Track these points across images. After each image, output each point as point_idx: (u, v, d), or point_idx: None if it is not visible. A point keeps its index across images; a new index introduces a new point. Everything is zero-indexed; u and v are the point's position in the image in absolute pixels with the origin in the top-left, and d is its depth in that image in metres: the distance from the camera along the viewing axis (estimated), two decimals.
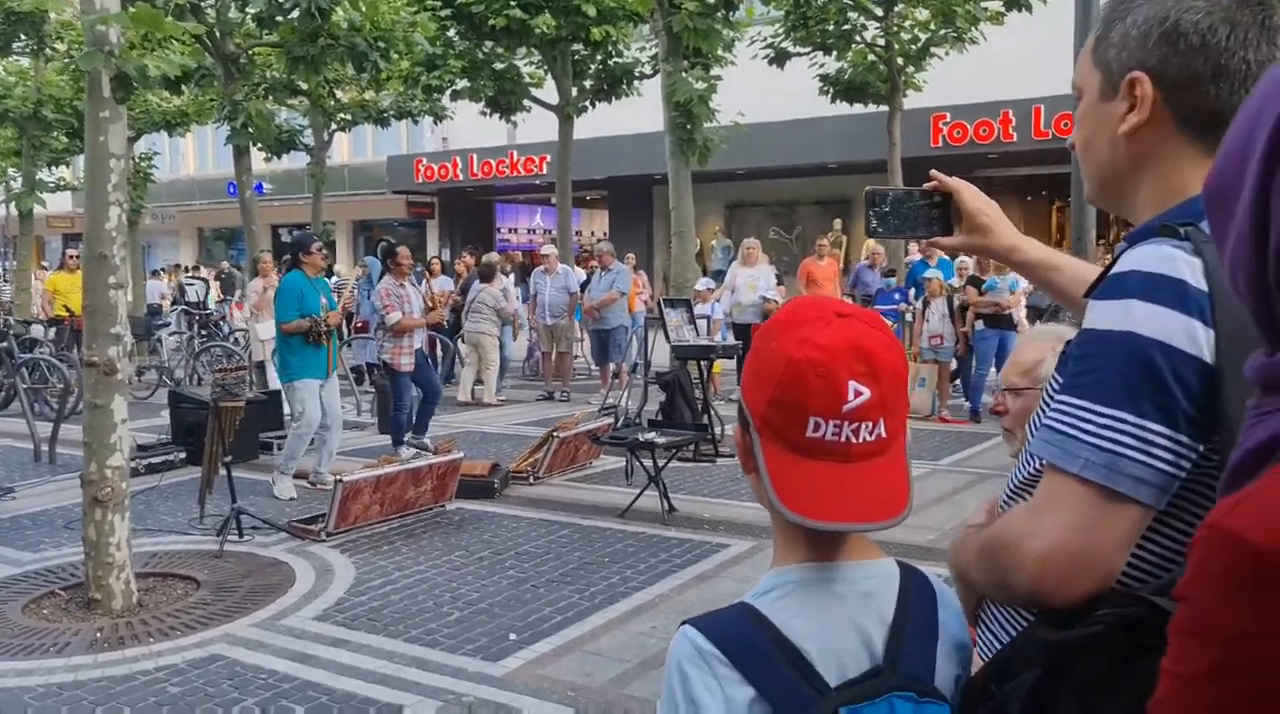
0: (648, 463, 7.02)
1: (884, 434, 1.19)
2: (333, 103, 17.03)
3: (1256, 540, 0.70)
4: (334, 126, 18.23)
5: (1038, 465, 1.39)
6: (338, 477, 6.63)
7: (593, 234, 29.28)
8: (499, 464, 7.89)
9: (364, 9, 11.40)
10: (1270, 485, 0.73)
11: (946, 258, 12.86)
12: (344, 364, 13.05)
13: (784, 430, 1.18)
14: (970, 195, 1.59)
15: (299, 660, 4.60)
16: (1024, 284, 10.40)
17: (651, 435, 7.16)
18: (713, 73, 11.54)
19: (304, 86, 15.46)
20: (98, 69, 5.10)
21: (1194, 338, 1.16)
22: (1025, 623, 1.27)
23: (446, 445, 7.54)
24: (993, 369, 10.55)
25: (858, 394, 1.16)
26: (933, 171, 1.60)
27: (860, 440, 1.17)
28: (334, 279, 14.28)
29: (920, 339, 11.09)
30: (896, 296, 12.54)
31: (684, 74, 10.47)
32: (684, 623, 1.20)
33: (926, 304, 11.06)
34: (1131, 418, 1.15)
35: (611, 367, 12.26)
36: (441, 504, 7.19)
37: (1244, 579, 0.71)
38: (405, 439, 8.98)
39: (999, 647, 1.36)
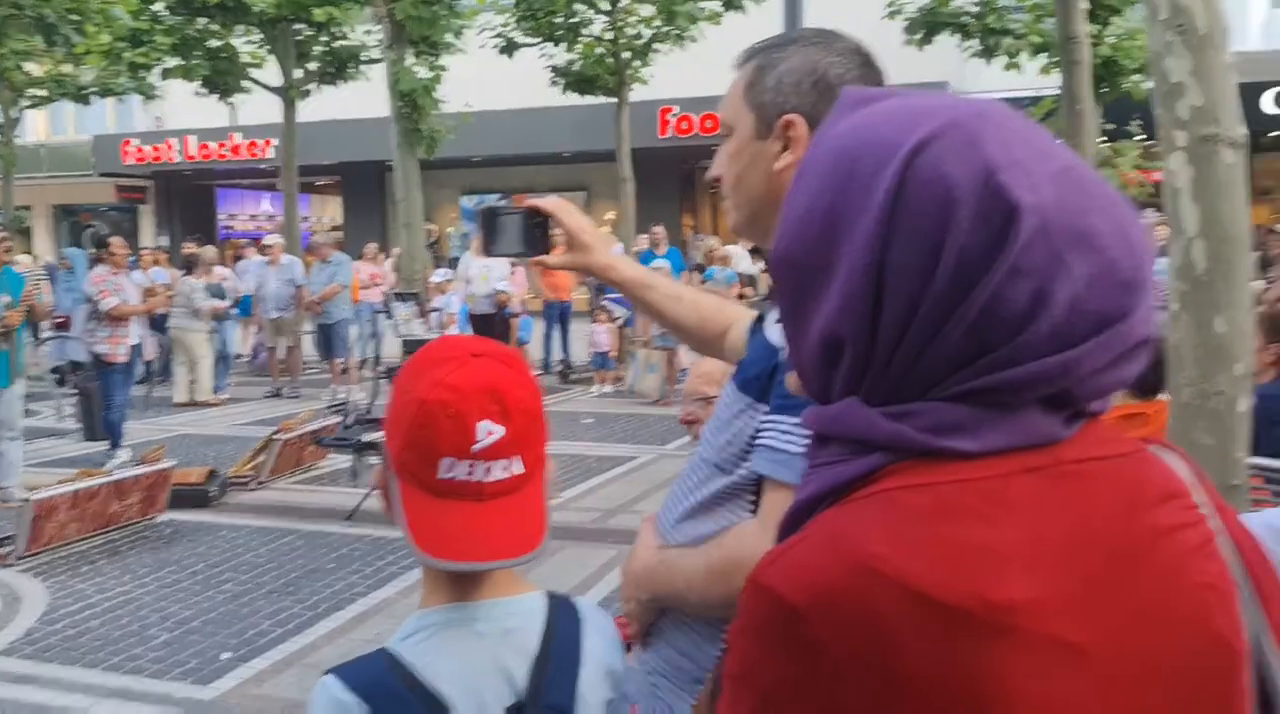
0: (375, 462, 6.87)
1: (519, 471, 1.22)
2: (22, 76, 15.49)
3: (788, 596, 0.74)
4: (25, 103, 16.60)
5: (726, 482, 1.47)
6: (28, 493, 6.08)
7: (331, 221, 28.20)
8: (216, 470, 7.47)
9: None
10: (805, 541, 0.78)
11: (675, 247, 13.32)
12: (40, 365, 12.01)
13: (418, 472, 1.20)
14: (569, 215, 1.68)
15: None
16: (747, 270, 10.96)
17: (377, 434, 7.00)
18: (441, 61, 11.38)
19: None
20: None
21: None
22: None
23: (155, 454, 7.06)
24: None
25: (489, 433, 1.19)
26: (528, 200, 1.68)
27: (494, 479, 1.20)
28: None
29: (651, 326, 11.43)
30: None
31: (408, 63, 10.25)
32: (326, 672, 1.20)
33: None
34: None
35: (340, 362, 11.88)
36: (151, 517, 6.73)
37: (776, 632, 0.75)
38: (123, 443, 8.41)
39: (684, 663, 1.44)
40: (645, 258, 13.02)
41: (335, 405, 9.88)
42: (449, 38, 12.50)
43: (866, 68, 1.48)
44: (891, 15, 12.12)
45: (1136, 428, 3.53)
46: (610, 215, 18.73)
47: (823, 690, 0.74)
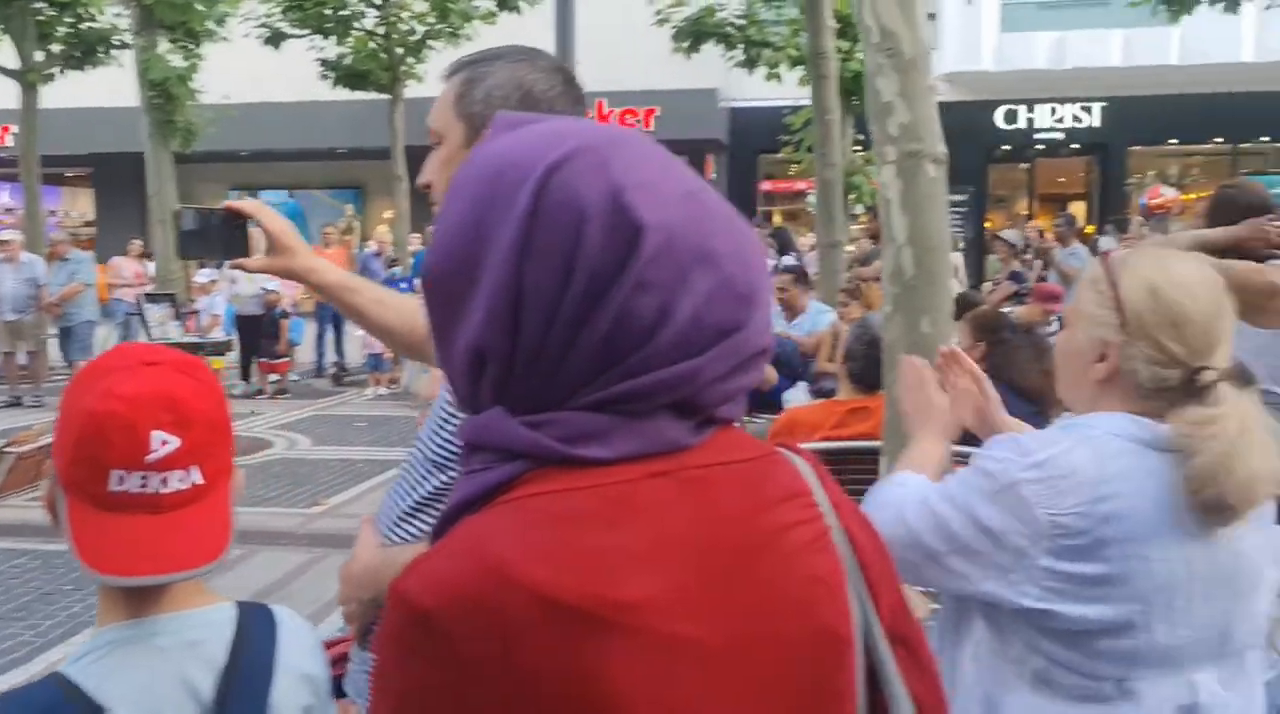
0: None
1: (199, 481, 1.21)
2: None
3: (423, 603, 0.78)
4: None
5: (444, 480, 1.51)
6: None
7: (82, 216, 26.21)
8: None
9: None
10: (442, 549, 0.81)
11: None
12: None
13: (87, 486, 1.17)
14: (271, 219, 1.69)
15: None
16: None
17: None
18: (200, 50, 10.84)
19: None
20: None
21: None
22: None
23: None
24: None
25: (164, 444, 1.17)
26: (228, 202, 1.68)
27: (171, 490, 1.19)
28: None
29: None
30: (403, 285, 12.64)
31: (161, 50, 9.72)
32: None
33: None
34: None
35: (83, 366, 11.11)
36: None
37: (411, 636, 0.78)
38: None
39: None
40: (420, 257, 12.86)
41: None
42: (210, 25, 11.93)
43: (569, 85, 1.60)
44: (660, 23, 12.45)
45: (861, 421, 3.81)
46: (389, 214, 18.34)
47: (455, 692, 0.78)
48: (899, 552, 1.56)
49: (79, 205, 26.66)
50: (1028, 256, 11.17)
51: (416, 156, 13.58)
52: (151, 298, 8.74)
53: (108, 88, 17.08)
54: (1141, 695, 1.51)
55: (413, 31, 13.76)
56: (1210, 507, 1.46)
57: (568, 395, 0.84)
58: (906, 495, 1.64)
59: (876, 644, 0.94)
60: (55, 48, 14.20)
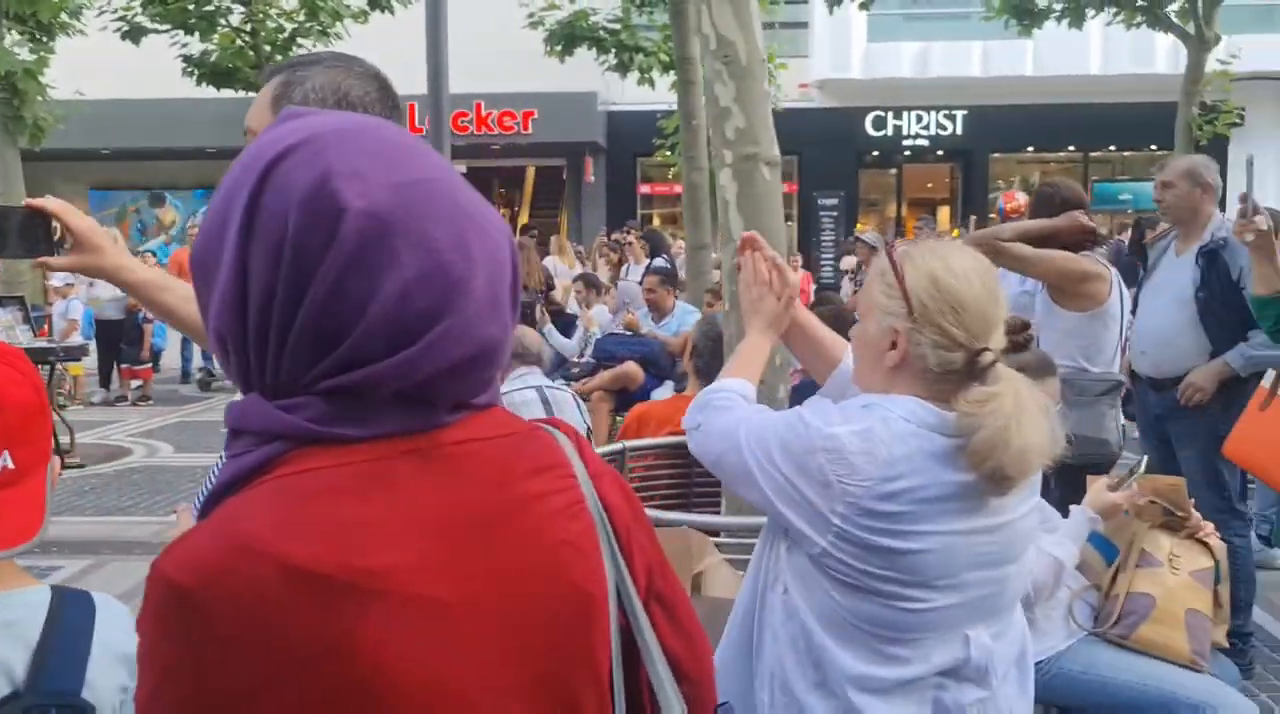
0: None
1: (11, 465, 1.24)
2: None
3: (179, 580, 0.82)
4: None
5: None
6: None
7: None
8: None
9: None
10: (201, 529, 0.85)
11: None
12: None
13: None
14: (74, 217, 1.69)
15: None
16: None
17: None
18: (44, 47, 10.41)
19: None
20: None
21: None
22: None
23: None
24: None
25: None
26: (27, 200, 1.67)
27: None
28: None
29: None
30: None
31: (7, 43, 9.31)
32: None
33: None
34: None
35: None
36: None
37: (169, 614, 0.82)
38: None
39: None
40: None
41: None
42: (64, 17, 11.47)
43: (384, 91, 1.66)
44: (533, 26, 12.46)
45: None
46: None
47: (214, 666, 0.81)
48: (713, 453, 1.73)
49: None
50: None
51: None
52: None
53: None
54: (923, 650, 1.64)
55: (281, 29, 13.45)
56: (991, 477, 1.59)
57: (301, 380, 0.88)
58: (728, 408, 1.77)
59: (631, 603, 1.01)
60: None
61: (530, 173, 24.28)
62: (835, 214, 21.39)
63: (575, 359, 8.11)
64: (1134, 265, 7.39)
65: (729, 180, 3.13)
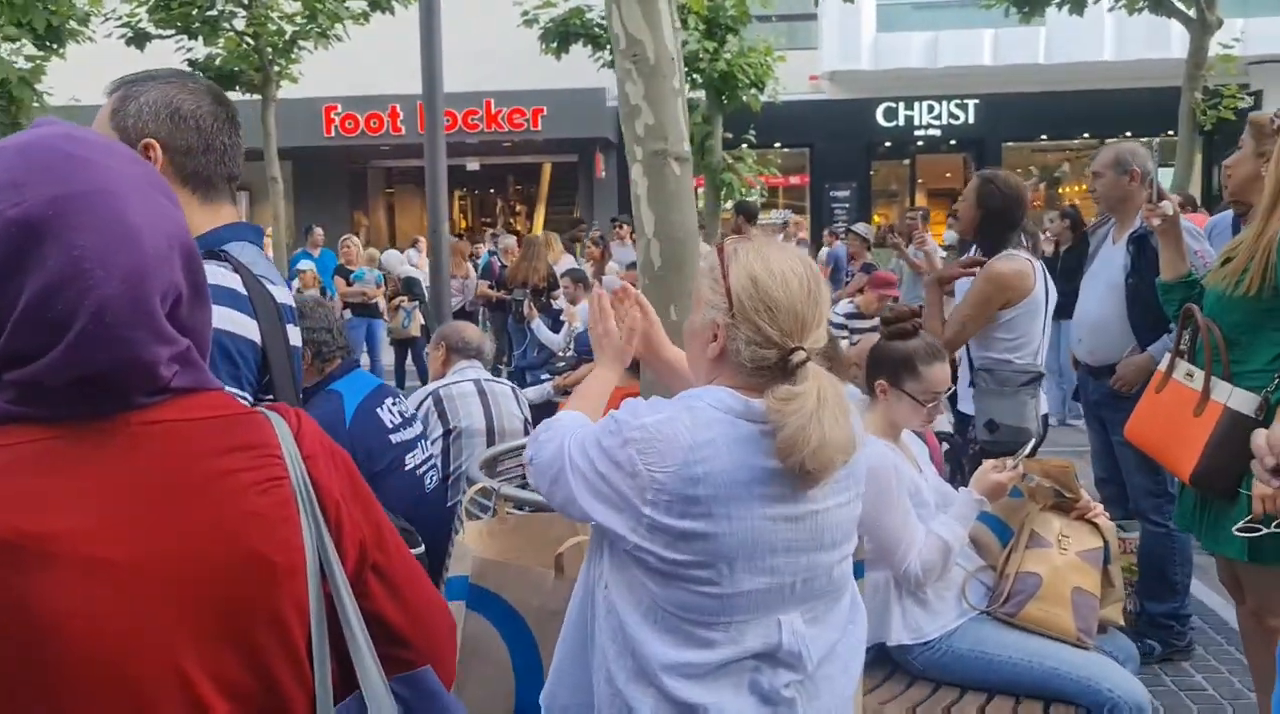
0: None
1: None
2: None
3: None
4: None
5: None
6: None
7: None
8: None
9: None
10: None
11: (329, 249, 13.13)
12: None
13: None
14: None
15: None
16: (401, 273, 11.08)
17: None
18: (54, 53, 10.63)
19: None
20: None
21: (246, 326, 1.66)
22: None
23: None
24: (365, 356, 11.04)
25: None
26: None
27: None
28: None
29: None
30: None
31: (5, 52, 9.53)
32: None
33: (300, 293, 11.22)
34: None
35: None
36: None
37: None
38: None
39: None
40: (297, 258, 12.75)
41: None
42: (72, 24, 11.66)
43: (217, 104, 1.79)
44: (527, 24, 12.55)
45: None
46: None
47: None
48: (545, 480, 1.79)
49: None
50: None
51: (306, 158, 13.55)
52: None
53: None
54: (734, 634, 1.71)
55: (281, 32, 13.62)
56: (795, 471, 1.66)
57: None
58: (559, 435, 1.83)
59: (332, 572, 1.10)
60: None
61: (547, 169, 24.41)
62: (848, 205, 21.38)
63: (561, 353, 8.21)
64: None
65: (640, 176, 3.21)
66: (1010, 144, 22.08)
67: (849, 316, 7.78)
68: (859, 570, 2.28)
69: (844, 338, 7.31)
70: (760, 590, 1.70)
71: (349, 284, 11.19)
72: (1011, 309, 3.76)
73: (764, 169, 14.28)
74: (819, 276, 1.81)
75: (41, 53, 10.56)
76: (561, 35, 12.21)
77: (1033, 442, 3.00)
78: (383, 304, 11.24)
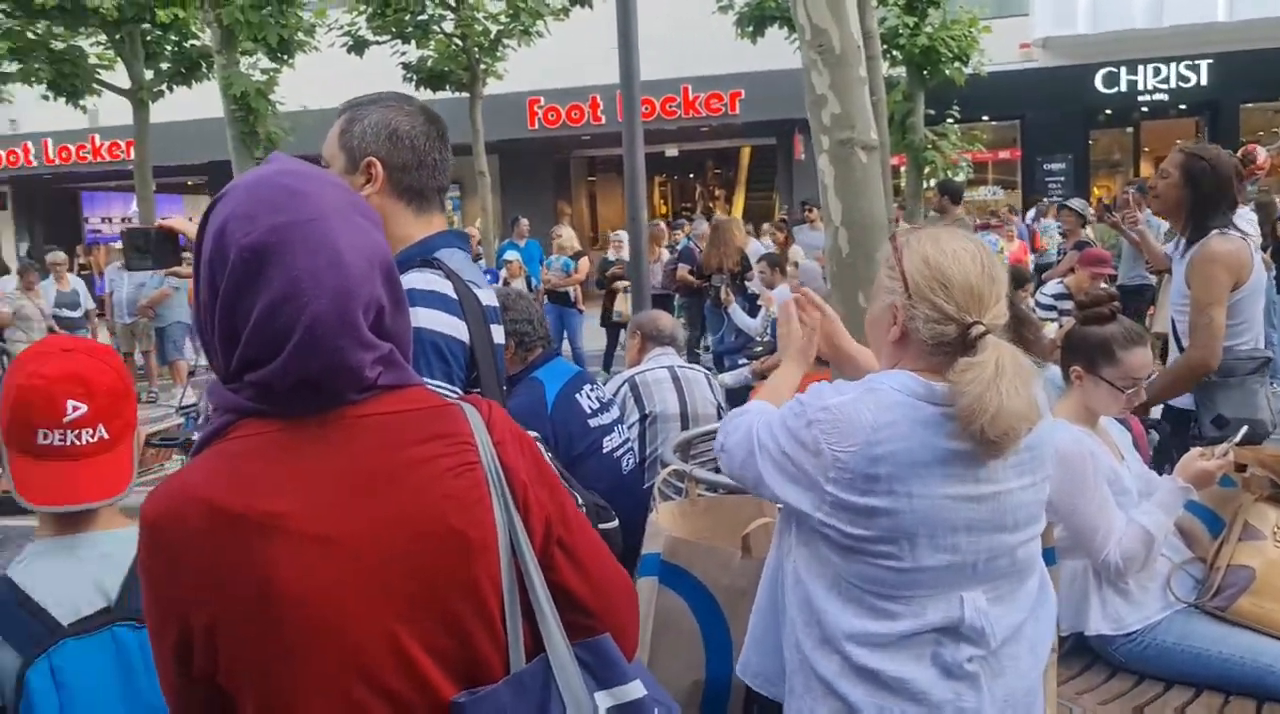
0: None
1: (105, 437, 1.62)
2: None
3: (148, 514, 1.15)
4: None
5: None
6: None
7: (194, 220, 27.63)
8: None
9: None
10: (169, 478, 1.17)
11: (535, 240, 13.63)
12: None
13: (20, 441, 1.60)
14: (193, 232, 2.02)
15: None
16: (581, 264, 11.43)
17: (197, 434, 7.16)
18: (285, 63, 11.49)
19: None
20: None
21: (456, 327, 1.81)
22: None
23: None
24: (566, 344, 11.43)
25: (76, 409, 1.59)
26: (159, 221, 2.02)
27: (84, 443, 1.60)
28: None
29: None
30: (487, 277, 13.13)
31: (244, 66, 10.37)
32: None
33: (507, 283, 11.72)
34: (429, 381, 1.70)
35: (187, 363, 11.92)
36: None
37: (144, 539, 1.15)
38: None
39: None
40: (503, 249, 13.31)
41: (184, 408, 9.94)
42: (300, 36, 12.56)
43: (430, 124, 1.98)
44: (722, 10, 12.59)
45: None
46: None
47: (165, 576, 1.15)
48: (735, 462, 1.89)
49: (199, 211, 28.08)
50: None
51: (511, 151, 14.07)
52: None
53: (219, 99, 18.06)
54: (915, 608, 1.76)
55: (487, 32, 14.20)
56: (976, 440, 1.69)
57: (233, 372, 1.17)
58: (749, 423, 1.93)
59: (520, 547, 1.23)
60: (164, 65, 15.13)
61: (745, 153, 24.39)
62: (1063, 179, 20.37)
63: (759, 338, 8.25)
64: None
65: (826, 165, 3.24)
66: (1250, 105, 20.43)
67: (1058, 297, 7.47)
68: (1050, 556, 2.26)
69: (1052, 320, 7.04)
70: (942, 567, 1.74)
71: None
72: (1235, 292, 3.55)
73: (970, 145, 13.80)
74: (992, 255, 1.84)
75: (274, 65, 11.40)
76: (757, 19, 12.19)
77: (1244, 429, 2.84)
78: (574, 292, 11.56)
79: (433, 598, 1.18)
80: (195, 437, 6.56)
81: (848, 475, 1.72)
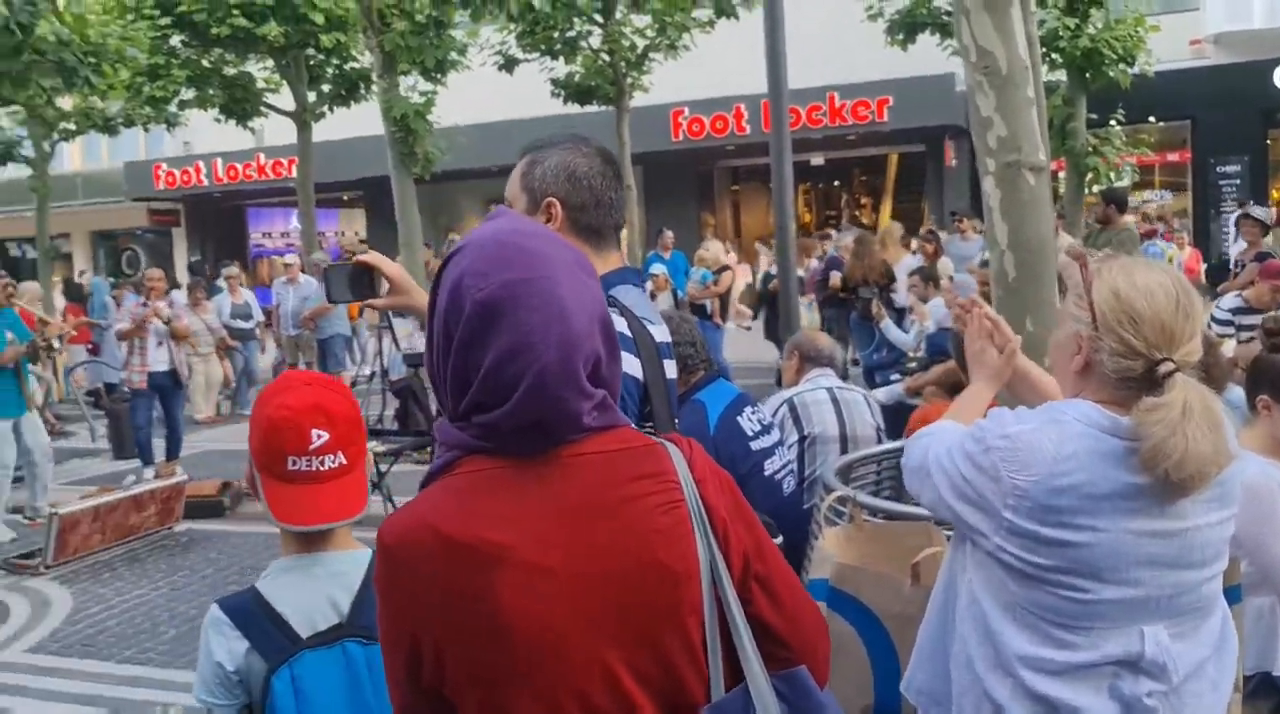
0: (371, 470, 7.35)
1: (344, 462, 1.76)
2: (53, 111, 16.24)
3: (385, 539, 1.26)
4: (56, 136, 17.36)
5: None
6: (53, 509, 6.66)
7: (356, 234, 28.94)
8: (230, 482, 8.02)
9: (70, 23, 11.07)
10: (405, 506, 1.28)
11: (680, 252, 13.74)
12: (77, 388, 12.68)
13: (272, 466, 1.75)
14: (387, 265, 2.12)
15: (7, 693, 4.76)
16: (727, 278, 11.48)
17: (371, 444, 7.49)
18: (438, 83, 11.92)
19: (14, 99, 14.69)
20: None
21: (631, 365, 1.86)
22: None
23: (168, 469, 7.63)
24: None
25: (319, 437, 1.73)
26: (358, 257, 2.13)
27: (327, 468, 1.74)
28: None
29: None
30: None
31: (401, 90, 10.81)
32: (215, 602, 1.76)
33: (654, 296, 11.85)
34: None
35: (347, 375, 12.43)
36: (169, 527, 7.31)
37: (381, 561, 1.26)
38: (154, 461, 8.80)
39: None
40: (650, 262, 13.45)
41: None
42: (453, 56, 13.01)
43: (607, 164, 2.05)
44: (872, 18, 12.44)
45: None
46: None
47: (400, 597, 1.26)
48: (915, 481, 1.92)
49: (354, 225, 29.36)
50: None
51: (655, 162, 14.23)
52: (400, 312, 9.64)
53: (372, 118, 18.81)
54: (1094, 639, 1.73)
55: (634, 47, 14.40)
56: (1163, 483, 1.66)
57: (461, 413, 1.26)
58: (931, 443, 1.94)
59: (721, 581, 1.29)
60: (325, 88, 15.89)
61: (893, 160, 24.01)
62: (1238, 182, 19.33)
63: (912, 353, 8.12)
64: None
65: (992, 188, 3.19)
66: None
67: (1236, 312, 7.10)
68: (1235, 595, 2.18)
69: (1230, 336, 6.70)
70: (1123, 601, 1.71)
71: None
72: None
73: (1135, 148, 13.25)
74: (1190, 291, 1.78)
75: (430, 86, 11.84)
76: (908, 26, 12.01)
77: None
78: (712, 306, 11.60)
79: (641, 627, 1.24)
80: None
81: (1027, 504, 1.71)
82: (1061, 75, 12.23)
